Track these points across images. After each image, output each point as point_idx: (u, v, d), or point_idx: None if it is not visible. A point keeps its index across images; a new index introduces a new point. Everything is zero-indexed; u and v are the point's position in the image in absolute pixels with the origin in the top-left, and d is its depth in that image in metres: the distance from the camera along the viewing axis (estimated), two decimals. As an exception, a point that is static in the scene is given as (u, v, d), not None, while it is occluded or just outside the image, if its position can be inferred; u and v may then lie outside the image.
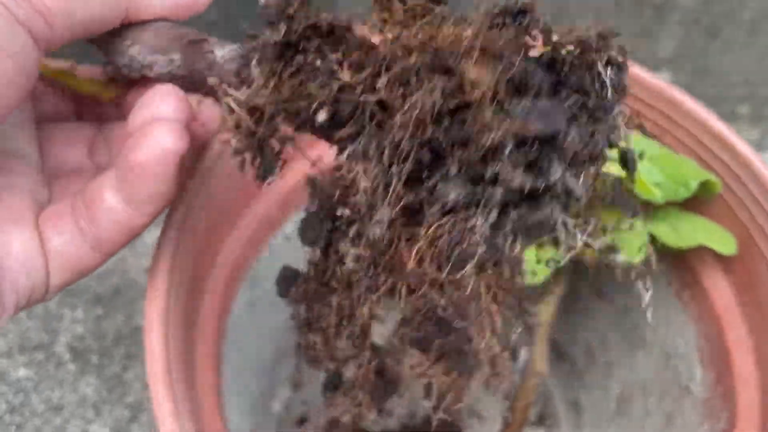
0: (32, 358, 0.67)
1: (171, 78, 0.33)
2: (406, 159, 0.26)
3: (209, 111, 0.33)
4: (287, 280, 0.35)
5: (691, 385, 0.50)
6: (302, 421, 0.67)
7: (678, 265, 0.51)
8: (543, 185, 0.26)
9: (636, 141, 0.47)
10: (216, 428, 0.41)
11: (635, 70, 0.48)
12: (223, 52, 0.32)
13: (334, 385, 0.36)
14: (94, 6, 0.29)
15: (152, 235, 0.76)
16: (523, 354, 0.61)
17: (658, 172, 0.45)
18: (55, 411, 0.64)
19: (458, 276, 0.27)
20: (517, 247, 0.28)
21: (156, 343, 0.34)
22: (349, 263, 0.30)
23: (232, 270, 0.47)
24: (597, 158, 0.28)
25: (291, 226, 0.52)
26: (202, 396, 0.41)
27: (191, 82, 0.33)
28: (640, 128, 0.49)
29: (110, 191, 0.30)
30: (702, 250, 0.47)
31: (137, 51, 0.32)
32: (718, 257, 0.47)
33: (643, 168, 0.45)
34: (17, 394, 0.65)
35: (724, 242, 0.46)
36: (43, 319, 0.70)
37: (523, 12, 0.29)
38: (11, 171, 0.33)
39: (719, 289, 0.48)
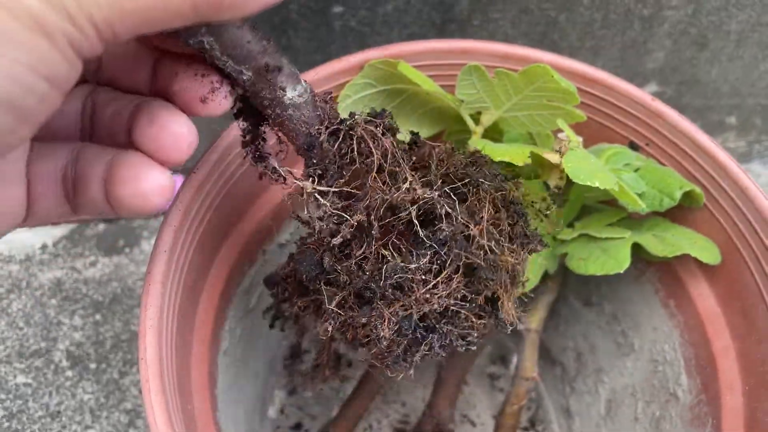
0: (30, 364, 0.68)
1: (232, 82, 0.33)
2: None
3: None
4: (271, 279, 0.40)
5: (678, 391, 0.51)
6: (298, 426, 0.68)
7: (664, 273, 0.52)
8: None
9: (622, 152, 0.48)
10: (210, 434, 0.41)
11: (622, 83, 0.49)
12: (293, 94, 0.33)
13: (294, 353, 0.41)
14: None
15: (150, 243, 0.78)
16: (513, 360, 0.62)
17: (642, 184, 0.46)
18: (52, 417, 0.65)
19: None
20: None
21: (150, 350, 0.35)
22: None
23: (228, 278, 0.48)
24: None
25: (285, 235, 0.53)
26: (197, 404, 0.42)
27: (246, 100, 0.34)
28: (629, 142, 0.51)
29: (97, 185, 0.32)
30: (688, 259, 0.48)
31: (216, 46, 0.31)
32: (703, 266, 0.48)
33: (628, 179, 0.46)
34: (15, 400, 0.66)
35: (708, 252, 0.47)
36: (42, 326, 0.70)
37: None
38: None
39: (704, 297, 0.49)
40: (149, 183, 0.30)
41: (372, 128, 0.35)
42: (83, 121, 0.36)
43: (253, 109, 0.35)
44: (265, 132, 0.37)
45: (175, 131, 0.31)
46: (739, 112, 0.81)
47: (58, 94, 0.25)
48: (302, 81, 0.34)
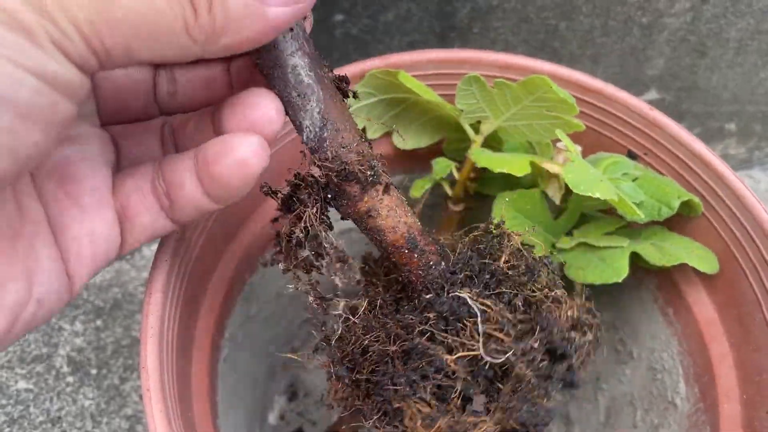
0: (31, 370, 0.68)
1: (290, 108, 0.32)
2: None
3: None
4: None
5: (676, 399, 0.51)
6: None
7: (662, 282, 0.52)
8: None
9: (620, 162, 0.48)
10: (211, 442, 0.42)
11: (620, 93, 0.49)
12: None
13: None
14: (157, 48, 0.27)
15: (152, 249, 0.78)
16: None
17: (641, 193, 0.46)
18: (53, 423, 0.65)
19: None
20: None
21: (151, 359, 0.35)
22: None
23: (228, 286, 0.49)
24: None
25: (286, 242, 0.54)
26: (197, 411, 0.42)
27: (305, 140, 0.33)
28: (627, 152, 0.51)
29: (190, 181, 0.32)
30: (686, 268, 0.48)
31: (303, 64, 0.30)
32: (702, 275, 0.48)
33: (627, 188, 0.46)
34: (16, 405, 0.66)
35: (706, 261, 0.47)
36: (43, 332, 0.71)
37: None
38: (81, 138, 0.34)
39: (702, 305, 0.49)
40: (244, 149, 0.30)
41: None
42: (164, 144, 0.37)
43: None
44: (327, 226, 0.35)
45: (260, 103, 0.31)
46: (739, 118, 0.81)
47: (59, 96, 0.25)
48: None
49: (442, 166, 0.50)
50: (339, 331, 0.36)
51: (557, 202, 0.48)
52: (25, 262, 0.29)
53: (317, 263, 0.35)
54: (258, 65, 0.31)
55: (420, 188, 0.51)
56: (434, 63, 0.50)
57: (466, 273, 0.36)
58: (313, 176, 0.33)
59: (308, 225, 0.34)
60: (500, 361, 0.33)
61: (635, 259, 0.47)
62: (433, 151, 0.53)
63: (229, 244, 0.49)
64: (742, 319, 0.47)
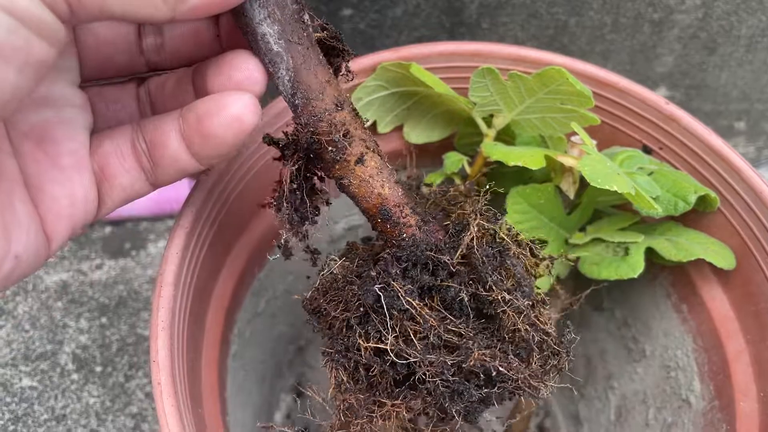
0: (36, 367, 0.68)
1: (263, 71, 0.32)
2: None
3: None
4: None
5: (691, 397, 0.50)
6: (305, 431, 0.67)
7: (677, 278, 0.51)
8: None
9: (635, 156, 0.48)
10: (220, 438, 0.41)
11: (635, 86, 0.49)
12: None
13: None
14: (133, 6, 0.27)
15: (157, 246, 0.77)
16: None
17: (657, 187, 0.46)
18: (58, 420, 0.65)
19: None
20: None
21: (162, 352, 0.35)
22: None
23: (237, 281, 0.48)
24: None
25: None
26: (207, 407, 0.41)
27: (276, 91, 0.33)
28: (642, 146, 0.50)
29: (175, 141, 0.33)
30: (701, 264, 0.48)
31: (272, 32, 0.31)
32: (717, 270, 0.48)
33: (643, 182, 0.46)
34: (21, 403, 0.65)
35: (722, 256, 0.46)
36: (48, 329, 0.70)
37: None
38: (59, 100, 0.34)
39: (717, 301, 0.49)
40: (238, 105, 0.31)
41: None
42: (141, 107, 0.37)
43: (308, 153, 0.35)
44: (316, 185, 0.36)
45: (244, 65, 0.32)
46: (749, 117, 0.81)
47: (34, 37, 0.25)
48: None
49: (453, 160, 0.50)
50: (316, 283, 0.37)
51: (571, 196, 0.47)
52: (3, 217, 0.29)
53: (296, 216, 0.36)
54: (239, 28, 0.32)
55: (432, 182, 0.51)
56: (446, 56, 0.49)
57: (416, 262, 0.35)
58: (295, 135, 0.34)
59: (289, 180, 0.34)
60: (405, 363, 0.34)
61: (649, 254, 0.46)
62: (445, 145, 0.52)
63: (239, 238, 0.48)
64: (758, 316, 0.46)
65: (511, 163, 0.43)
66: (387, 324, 0.34)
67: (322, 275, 0.37)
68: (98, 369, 0.68)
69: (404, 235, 0.35)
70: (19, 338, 0.69)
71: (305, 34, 0.32)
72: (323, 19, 0.35)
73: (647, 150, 0.50)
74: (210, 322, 0.45)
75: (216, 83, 0.32)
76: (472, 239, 0.35)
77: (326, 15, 0.63)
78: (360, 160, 0.34)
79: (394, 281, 0.34)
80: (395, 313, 0.34)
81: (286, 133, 0.34)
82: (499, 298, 0.35)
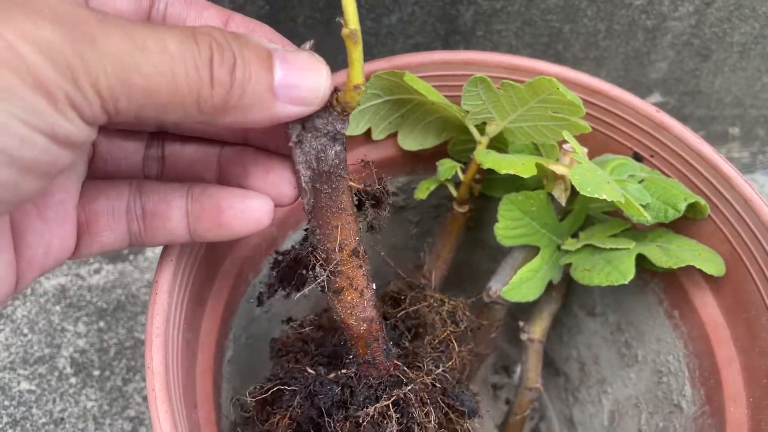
0: (34, 371, 0.68)
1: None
2: None
3: None
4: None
5: (682, 402, 0.51)
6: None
7: (669, 284, 0.52)
8: None
9: (626, 164, 0.48)
10: (215, 443, 0.41)
11: (626, 95, 0.49)
12: None
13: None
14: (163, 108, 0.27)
15: (155, 251, 0.78)
16: (516, 370, 0.62)
17: (647, 195, 0.46)
18: (56, 424, 0.65)
19: None
20: None
21: (156, 359, 0.35)
22: None
23: (233, 287, 0.48)
24: None
25: (287, 244, 0.54)
26: (202, 412, 0.42)
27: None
28: (633, 153, 0.51)
29: (178, 216, 0.34)
30: (692, 270, 0.48)
31: (305, 174, 0.34)
32: (708, 277, 0.48)
33: (633, 190, 0.46)
34: (19, 407, 0.66)
35: (712, 263, 0.47)
36: (46, 333, 0.71)
37: None
38: None
39: (709, 308, 0.49)
40: (263, 210, 0.34)
41: None
42: (146, 164, 0.37)
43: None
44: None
45: (289, 179, 0.35)
46: (743, 122, 0.81)
47: (64, 151, 0.25)
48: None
49: (446, 167, 0.50)
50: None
51: (563, 203, 0.48)
52: None
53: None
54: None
55: (425, 189, 0.51)
56: (439, 64, 0.50)
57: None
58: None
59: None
60: None
61: (641, 261, 0.47)
62: (439, 152, 0.53)
63: (234, 245, 0.49)
64: (749, 323, 0.46)
65: (503, 172, 0.44)
66: None
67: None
68: (96, 373, 0.69)
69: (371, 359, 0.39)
70: (18, 342, 0.70)
71: (336, 185, 0.35)
72: (383, 180, 0.38)
73: (638, 158, 0.50)
74: (205, 328, 0.45)
75: (255, 180, 0.35)
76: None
77: (322, 23, 0.64)
78: (338, 291, 0.37)
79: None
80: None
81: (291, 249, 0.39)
82: None
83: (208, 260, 0.45)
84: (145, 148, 0.37)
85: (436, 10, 0.65)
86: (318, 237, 0.36)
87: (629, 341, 0.57)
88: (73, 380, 0.68)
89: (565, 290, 0.56)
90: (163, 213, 0.34)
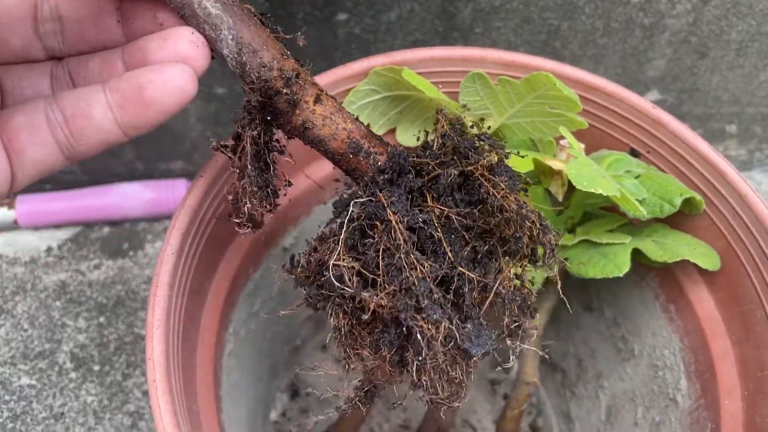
0: (35, 366, 0.69)
1: (208, 41, 0.33)
2: None
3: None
4: None
5: (678, 396, 0.51)
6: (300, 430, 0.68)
7: (664, 279, 0.52)
8: None
9: (623, 159, 0.49)
10: (215, 435, 0.42)
11: (623, 91, 0.50)
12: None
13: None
14: None
15: (155, 246, 0.78)
16: (514, 365, 0.63)
17: (643, 190, 0.47)
18: (56, 418, 0.66)
19: None
20: None
21: (157, 350, 0.36)
22: None
23: (233, 281, 0.49)
24: None
25: (289, 239, 0.54)
26: (202, 404, 0.42)
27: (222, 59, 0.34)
28: (629, 149, 0.51)
29: (101, 111, 0.33)
30: (687, 265, 0.48)
31: None
32: (703, 272, 0.49)
33: (629, 185, 0.47)
34: (19, 402, 0.66)
35: (708, 258, 0.47)
36: (46, 328, 0.71)
37: None
38: None
39: (704, 302, 0.50)
40: (183, 76, 0.33)
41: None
42: (55, 84, 0.37)
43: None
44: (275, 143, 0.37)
45: (188, 38, 0.33)
46: (740, 120, 0.82)
47: None
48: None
49: (445, 163, 0.51)
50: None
51: (560, 198, 0.48)
52: None
53: (261, 180, 0.36)
54: (169, 3, 0.33)
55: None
56: (437, 60, 0.50)
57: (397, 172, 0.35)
58: (248, 102, 0.34)
59: (251, 143, 0.35)
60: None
61: (637, 256, 0.47)
62: (437, 148, 0.53)
63: (234, 239, 0.49)
64: (743, 317, 0.47)
65: (500, 167, 0.44)
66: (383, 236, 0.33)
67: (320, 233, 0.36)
68: (96, 368, 0.69)
69: (379, 162, 0.35)
70: (18, 337, 0.70)
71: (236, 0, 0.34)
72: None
73: (635, 153, 0.51)
74: (205, 321, 0.46)
75: (159, 56, 0.33)
76: (443, 127, 0.36)
77: (321, 20, 0.64)
78: (318, 100, 0.35)
79: (381, 191, 0.34)
80: (392, 221, 0.33)
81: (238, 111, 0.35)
82: (480, 175, 0.35)
83: (208, 254, 0.45)
84: (50, 76, 0.37)
85: (434, 7, 0.65)
86: (260, 54, 0.33)
87: (625, 336, 0.57)
88: (73, 375, 0.68)
89: (562, 286, 0.56)
90: (84, 112, 0.33)
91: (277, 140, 0.37)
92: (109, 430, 0.66)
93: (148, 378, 0.36)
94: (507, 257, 0.36)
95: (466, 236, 0.35)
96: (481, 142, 0.36)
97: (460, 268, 0.34)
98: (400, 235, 0.33)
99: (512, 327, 0.36)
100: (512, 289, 0.36)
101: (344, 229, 0.34)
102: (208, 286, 0.46)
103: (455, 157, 0.35)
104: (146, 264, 0.76)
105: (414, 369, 0.33)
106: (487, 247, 0.35)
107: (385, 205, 0.33)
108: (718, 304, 0.49)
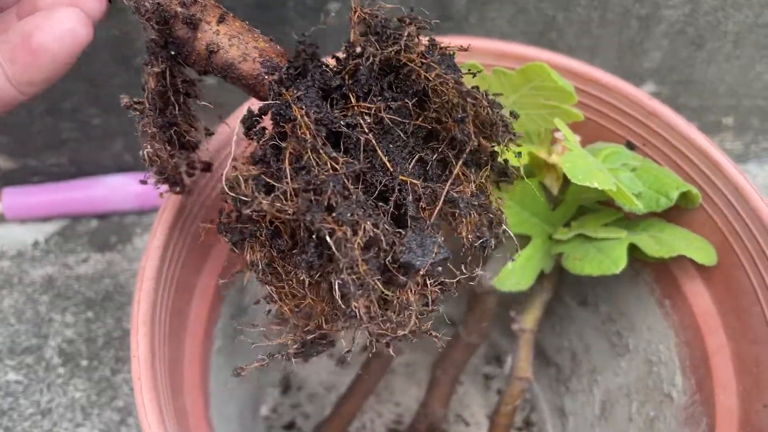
0: (21, 361, 0.67)
1: None
2: None
3: None
4: None
5: (673, 392, 0.51)
6: (291, 425, 0.68)
7: (660, 273, 0.51)
8: None
9: (619, 152, 0.48)
10: (203, 433, 0.41)
11: (619, 82, 0.49)
12: None
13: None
14: None
15: (144, 240, 0.77)
16: (508, 360, 0.62)
17: (639, 184, 0.46)
18: (43, 414, 0.65)
19: None
20: None
21: (142, 347, 0.35)
22: None
23: (221, 275, 0.48)
24: None
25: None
26: (189, 400, 0.41)
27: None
28: (625, 142, 0.51)
29: None
30: (683, 260, 0.48)
31: None
32: (699, 266, 0.48)
33: (625, 179, 0.46)
34: (6, 397, 0.65)
35: (704, 252, 0.47)
36: (33, 323, 0.70)
37: None
38: None
39: (700, 297, 0.49)
40: (73, 17, 0.30)
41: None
42: None
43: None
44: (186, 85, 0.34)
45: None
46: (736, 113, 0.81)
47: None
48: None
49: (438, 155, 0.50)
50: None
51: (555, 192, 0.48)
52: None
53: (162, 120, 0.33)
54: None
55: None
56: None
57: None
58: (149, 40, 0.32)
59: (154, 83, 0.32)
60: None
61: (632, 250, 0.47)
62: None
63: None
64: (739, 311, 0.46)
65: (494, 159, 0.43)
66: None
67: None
68: (84, 363, 0.68)
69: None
70: (5, 332, 0.69)
71: None
72: None
73: (631, 146, 0.50)
74: (193, 316, 0.45)
75: (49, 2, 0.31)
76: (359, 14, 0.32)
77: (312, 9, 0.63)
78: (222, 19, 0.32)
79: (287, 90, 0.30)
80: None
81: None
82: (408, 61, 0.31)
83: (196, 247, 0.44)
84: None
85: (428, -3, 0.64)
86: None
87: (620, 331, 0.57)
88: (60, 370, 0.67)
89: (557, 280, 0.56)
90: None
91: (190, 81, 0.34)
92: (98, 426, 0.65)
93: (133, 375, 0.35)
94: (465, 167, 0.32)
95: (409, 143, 0.31)
96: (406, 24, 0.32)
97: (401, 177, 0.29)
98: (307, 131, 0.29)
99: (476, 244, 0.31)
100: (469, 196, 0.31)
101: (257, 144, 0.30)
102: (196, 280, 0.45)
103: (378, 43, 0.31)
104: (135, 258, 0.75)
105: (338, 291, 0.27)
106: (436, 155, 0.31)
107: (290, 101, 0.30)
108: (714, 299, 0.48)
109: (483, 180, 0.33)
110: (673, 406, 0.51)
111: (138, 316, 0.36)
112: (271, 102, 0.30)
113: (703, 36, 0.72)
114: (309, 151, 0.28)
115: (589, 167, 0.41)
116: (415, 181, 0.30)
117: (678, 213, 0.49)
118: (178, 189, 0.36)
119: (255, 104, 0.32)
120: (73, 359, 0.68)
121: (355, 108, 0.30)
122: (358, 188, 0.29)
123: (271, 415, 0.68)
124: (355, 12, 0.32)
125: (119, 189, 0.76)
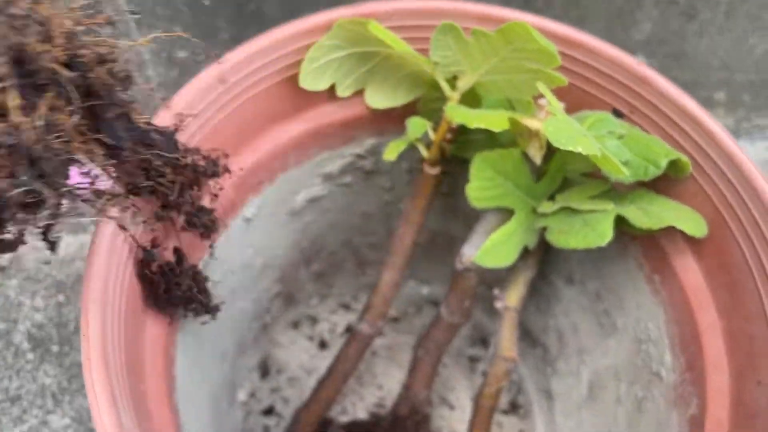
0: (-12, 347, 0.65)
1: None
2: None
3: None
4: None
5: (662, 371, 0.49)
6: (270, 410, 0.65)
7: (649, 248, 0.49)
8: None
9: (605, 119, 0.46)
10: (165, 422, 0.39)
11: (605, 46, 0.47)
12: None
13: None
14: None
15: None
16: (493, 341, 0.60)
17: (626, 151, 0.44)
18: (12, 401, 0.62)
19: None
20: None
21: (92, 325, 0.33)
22: None
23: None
24: None
25: (251, 209, 0.51)
26: (150, 384, 0.39)
27: None
28: (612, 109, 0.48)
29: None
30: (673, 233, 0.46)
31: None
32: (689, 239, 0.46)
33: (611, 146, 0.44)
34: (-28, 384, 0.63)
35: (694, 224, 0.44)
36: (1, 307, 0.67)
37: None
38: None
39: (690, 272, 0.47)
40: None
41: None
42: None
43: None
44: None
45: None
46: (728, 88, 0.79)
47: None
48: None
49: (416, 125, 0.47)
50: None
51: (537, 162, 0.45)
52: None
53: None
54: None
55: (394, 150, 0.48)
56: (409, 13, 0.47)
57: None
58: None
59: None
60: None
61: (620, 223, 0.44)
62: (409, 111, 0.50)
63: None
64: (731, 287, 0.44)
65: (474, 125, 0.41)
66: None
67: None
68: (55, 348, 0.66)
69: None
70: (-28, 317, 0.67)
71: None
72: None
73: (618, 114, 0.48)
74: (156, 295, 0.42)
75: None
76: None
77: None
78: None
79: None
80: None
81: None
82: None
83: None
84: None
85: (408, -36, 0.61)
86: None
87: (608, 309, 0.55)
88: (30, 356, 0.65)
89: (542, 257, 0.54)
90: None
91: None
92: (69, 413, 0.62)
93: (83, 356, 0.32)
94: None
95: None
96: None
97: None
98: None
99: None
100: None
101: None
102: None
103: None
104: (107, 239, 0.73)
105: None
106: None
107: None
108: (705, 274, 0.46)
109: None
110: (662, 385, 0.49)
111: (88, 294, 0.34)
112: None
113: (694, 6, 0.70)
114: None
115: (572, 132, 0.39)
116: None
117: (667, 184, 0.47)
118: None
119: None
120: (43, 344, 0.66)
121: None
122: None
123: (248, 400, 0.66)
124: None
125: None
